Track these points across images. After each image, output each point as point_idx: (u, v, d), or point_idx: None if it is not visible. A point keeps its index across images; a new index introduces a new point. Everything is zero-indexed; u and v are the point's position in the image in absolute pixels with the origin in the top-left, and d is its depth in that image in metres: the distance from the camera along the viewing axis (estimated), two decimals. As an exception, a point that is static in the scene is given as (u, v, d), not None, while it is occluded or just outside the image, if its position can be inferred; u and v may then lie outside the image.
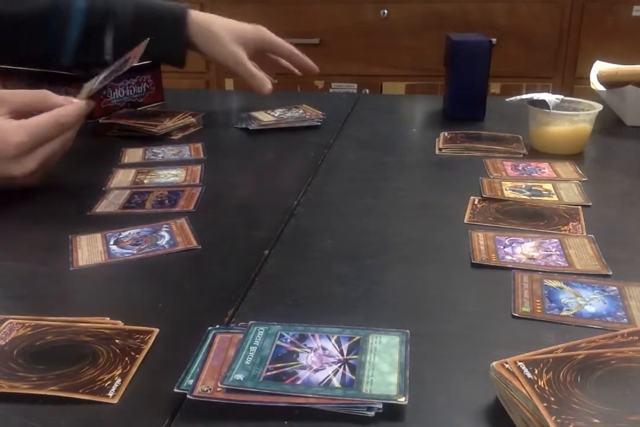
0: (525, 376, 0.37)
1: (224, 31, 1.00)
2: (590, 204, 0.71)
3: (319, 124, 1.02)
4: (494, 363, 0.39)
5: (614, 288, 0.53)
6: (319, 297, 0.53)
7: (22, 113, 0.71)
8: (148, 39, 0.86)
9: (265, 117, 1.02)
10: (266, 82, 1.01)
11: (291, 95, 1.29)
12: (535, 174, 0.80)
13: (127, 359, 0.44)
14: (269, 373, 0.41)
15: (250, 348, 0.44)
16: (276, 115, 1.03)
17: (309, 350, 0.44)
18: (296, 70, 1.10)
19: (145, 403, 0.41)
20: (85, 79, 0.99)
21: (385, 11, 2.22)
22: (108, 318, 0.49)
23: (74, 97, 0.76)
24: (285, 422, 0.39)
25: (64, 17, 0.94)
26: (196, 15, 1.01)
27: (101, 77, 0.82)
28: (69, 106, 0.73)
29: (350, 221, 0.69)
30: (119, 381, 0.42)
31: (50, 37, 0.95)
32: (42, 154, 0.70)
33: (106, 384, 0.42)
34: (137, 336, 0.47)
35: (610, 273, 0.55)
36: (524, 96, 0.91)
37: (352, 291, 0.54)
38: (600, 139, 0.95)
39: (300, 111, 1.05)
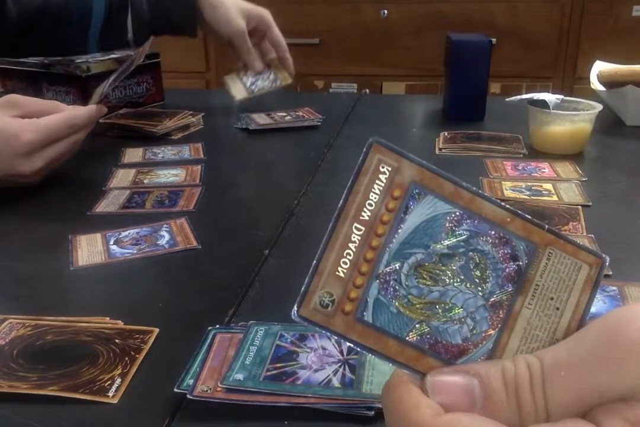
0: None
1: (230, 4, 1.05)
2: (590, 204, 0.71)
3: (319, 124, 1.02)
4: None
5: (614, 288, 0.53)
6: (319, 297, 0.53)
7: (32, 118, 0.72)
8: (152, 38, 0.88)
9: (263, 120, 1.03)
10: (259, 61, 1.06)
11: (291, 95, 1.29)
12: (535, 174, 0.80)
13: (127, 359, 0.44)
14: (269, 373, 0.41)
15: (250, 348, 0.44)
16: (275, 118, 1.03)
17: (309, 350, 0.44)
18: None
19: (145, 403, 0.41)
20: (83, 79, 0.99)
21: (385, 11, 2.22)
22: (108, 318, 0.49)
23: (78, 99, 0.77)
24: (285, 422, 0.39)
25: (86, 5, 0.97)
26: None
27: (110, 79, 0.82)
28: (81, 109, 0.75)
29: (350, 220, 0.68)
30: (119, 380, 0.42)
31: (74, 25, 0.98)
32: (51, 154, 0.71)
33: (106, 384, 0.42)
34: (137, 336, 0.47)
35: (610, 273, 0.55)
36: (524, 96, 0.91)
37: (352, 291, 0.54)
38: (600, 139, 0.95)
39: (300, 113, 1.05)
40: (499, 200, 0.26)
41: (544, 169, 0.82)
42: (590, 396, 0.23)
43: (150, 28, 1.03)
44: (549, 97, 0.88)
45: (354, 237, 0.25)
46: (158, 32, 1.08)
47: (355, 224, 0.25)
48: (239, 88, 1.06)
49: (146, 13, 1.00)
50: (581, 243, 0.27)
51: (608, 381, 0.23)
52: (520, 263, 0.26)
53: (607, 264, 0.27)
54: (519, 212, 0.26)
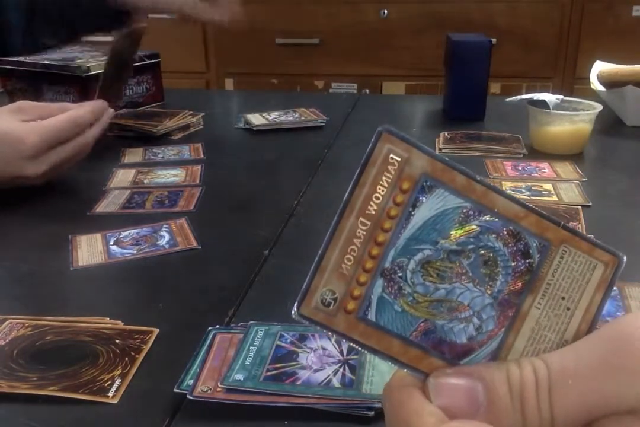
0: None
1: None
2: (590, 204, 0.71)
3: (323, 124, 1.02)
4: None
5: (614, 288, 0.53)
6: (319, 297, 0.53)
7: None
8: (145, 25, 0.84)
9: (258, 121, 1.01)
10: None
11: (291, 95, 1.29)
12: (535, 174, 0.80)
13: (127, 359, 0.44)
14: (269, 373, 0.41)
15: (250, 348, 0.43)
16: (270, 118, 1.02)
17: (309, 350, 0.44)
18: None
19: (145, 403, 0.41)
20: (83, 79, 0.99)
21: (385, 11, 2.22)
22: (108, 318, 0.49)
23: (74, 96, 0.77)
24: (285, 422, 0.39)
25: (2, 4, 0.90)
26: None
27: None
28: (83, 107, 0.74)
29: (350, 221, 0.68)
30: (119, 381, 0.42)
31: None
32: (56, 157, 0.71)
33: (106, 384, 0.42)
34: (137, 336, 0.47)
35: (610, 273, 0.55)
36: (524, 96, 0.91)
37: (352, 291, 0.54)
38: (600, 139, 0.95)
39: (297, 115, 1.04)
40: (513, 195, 0.25)
41: (544, 169, 0.82)
42: (597, 405, 0.22)
43: (70, 26, 0.92)
44: (549, 97, 0.88)
45: (359, 232, 0.24)
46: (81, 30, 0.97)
47: (361, 219, 0.23)
48: (258, 118, 1.02)
49: (62, 13, 0.88)
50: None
51: (617, 391, 0.22)
52: (532, 261, 0.25)
53: (624, 262, 0.25)
54: (534, 207, 0.25)
